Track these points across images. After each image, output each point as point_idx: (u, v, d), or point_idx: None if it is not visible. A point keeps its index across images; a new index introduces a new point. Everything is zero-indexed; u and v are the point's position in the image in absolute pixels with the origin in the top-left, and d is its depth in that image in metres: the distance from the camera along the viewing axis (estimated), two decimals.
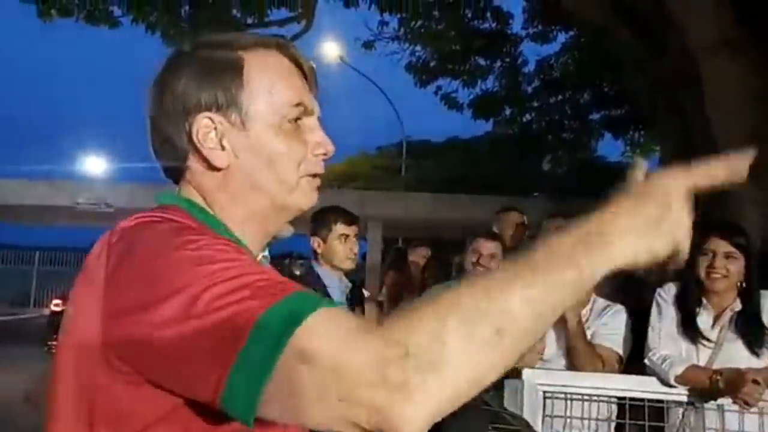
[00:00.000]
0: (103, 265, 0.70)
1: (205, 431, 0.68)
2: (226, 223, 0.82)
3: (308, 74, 0.86)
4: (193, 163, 0.82)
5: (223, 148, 0.80)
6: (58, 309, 10.25)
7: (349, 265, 2.70)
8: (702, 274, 2.39)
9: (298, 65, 0.85)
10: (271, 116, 0.81)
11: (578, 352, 2.46)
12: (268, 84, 0.81)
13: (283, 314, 0.59)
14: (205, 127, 0.80)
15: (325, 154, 0.85)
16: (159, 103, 0.82)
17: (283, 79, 0.82)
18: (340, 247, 2.66)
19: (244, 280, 0.62)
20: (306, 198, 0.84)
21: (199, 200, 0.83)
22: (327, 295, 2.66)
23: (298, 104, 0.82)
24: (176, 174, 0.85)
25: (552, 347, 2.61)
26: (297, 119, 0.82)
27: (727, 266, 2.36)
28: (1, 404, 7.17)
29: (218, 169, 0.81)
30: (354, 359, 0.56)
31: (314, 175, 0.85)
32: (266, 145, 0.80)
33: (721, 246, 2.38)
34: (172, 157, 0.83)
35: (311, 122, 0.84)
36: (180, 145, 0.81)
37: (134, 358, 0.66)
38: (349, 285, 2.81)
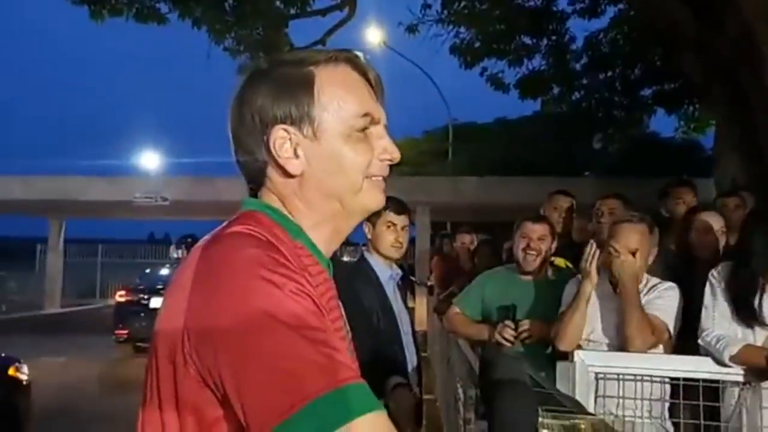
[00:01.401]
0: (192, 271, 0.78)
1: None
2: (302, 226, 0.90)
3: (375, 84, 0.92)
4: (271, 171, 0.90)
5: (297, 156, 0.88)
6: (122, 299, 10.69)
7: (394, 253, 2.71)
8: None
9: (366, 77, 0.92)
10: (341, 127, 0.88)
11: (631, 320, 2.42)
12: (337, 97, 0.88)
13: (334, 407, 0.67)
14: (281, 138, 0.87)
15: (390, 160, 0.92)
16: (239, 117, 0.90)
17: (351, 91, 0.89)
18: (387, 234, 2.68)
19: (315, 351, 0.70)
20: (372, 198, 0.91)
21: (278, 205, 0.91)
22: (378, 282, 2.70)
23: (365, 115, 0.89)
24: (257, 181, 0.93)
25: (599, 328, 2.60)
26: (365, 128, 0.89)
27: None
28: (75, 390, 7.57)
29: (293, 176, 0.89)
30: None
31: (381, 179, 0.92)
32: (336, 152, 0.88)
33: None
34: (253, 166, 0.91)
35: (378, 130, 0.91)
36: (259, 155, 0.89)
37: (203, 365, 0.75)
38: (400, 273, 2.84)
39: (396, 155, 0.92)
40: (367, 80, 0.92)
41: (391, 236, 2.68)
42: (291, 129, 0.87)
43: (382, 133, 0.91)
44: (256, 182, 0.93)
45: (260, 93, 0.88)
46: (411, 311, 3.05)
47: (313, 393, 0.67)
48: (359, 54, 0.94)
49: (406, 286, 3.12)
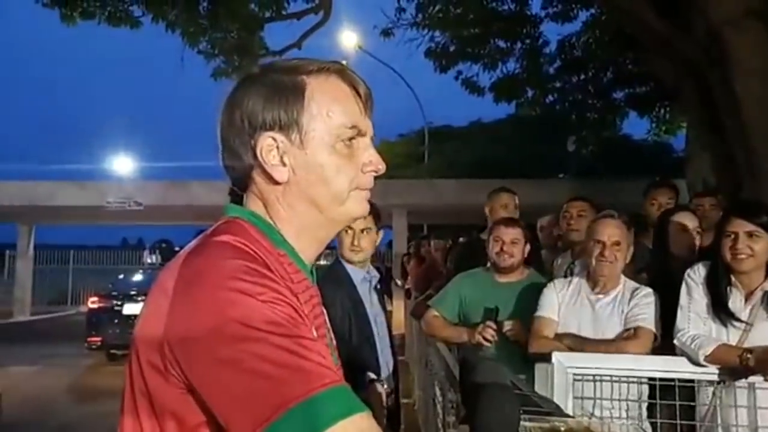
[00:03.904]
0: (173, 280, 0.78)
1: None
2: (284, 234, 0.90)
3: (365, 97, 0.93)
4: (257, 176, 0.91)
5: (284, 164, 0.88)
6: (95, 306, 10.47)
7: (353, 257, 2.70)
8: (727, 255, 2.38)
9: (356, 89, 0.93)
10: (327, 137, 0.89)
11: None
12: (326, 107, 0.89)
13: (311, 414, 0.67)
14: (269, 145, 0.88)
15: (375, 171, 0.93)
16: (229, 119, 0.90)
17: (340, 103, 0.90)
18: (345, 237, 2.67)
19: (295, 357, 0.71)
20: (357, 206, 0.93)
21: (261, 211, 0.91)
22: (350, 284, 2.68)
23: (352, 127, 0.90)
24: (242, 184, 0.93)
25: (575, 328, 2.64)
26: (350, 139, 0.90)
27: (751, 245, 2.34)
28: (46, 400, 7.41)
29: (278, 183, 0.89)
30: None
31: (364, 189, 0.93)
32: (321, 162, 0.89)
33: (743, 226, 2.36)
34: (239, 169, 0.91)
35: (364, 142, 0.92)
36: (246, 159, 0.89)
37: (184, 373, 0.75)
38: (377, 276, 2.82)
39: (381, 167, 0.93)
40: (357, 93, 0.93)
41: (348, 239, 2.67)
42: (278, 136, 0.87)
43: (367, 145, 0.92)
44: (241, 185, 0.93)
45: (251, 96, 0.88)
46: (389, 314, 3.04)
47: (290, 400, 0.67)
48: (347, 65, 0.95)
49: (384, 289, 3.10)
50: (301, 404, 0.67)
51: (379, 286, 2.83)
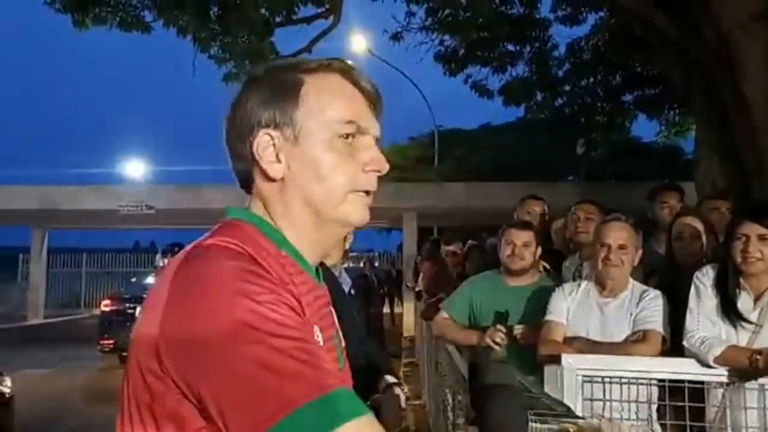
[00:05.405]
0: (169, 284, 0.77)
1: None
2: (285, 235, 0.89)
3: (370, 95, 0.91)
4: (256, 175, 0.90)
5: (279, 161, 0.88)
6: (107, 309, 10.57)
7: (329, 261, 2.67)
8: (738, 258, 2.38)
9: (360, 87, 0.91)
10: (323, 133, 0.87)
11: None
12: (321, 103, 0.88)
13: (323, 411, 0.66)
14: (265, 142, 0.88)
15: (378, 171, 0.90)
16: (232, 120, 0.91)
17: (337, 98, 0.88)
18: None
19: (296, 361, 0.70)
20: (355, 212, 0.89)
21: (262, 212, 0.90)
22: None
23: (349, 122, 0.88)
24: (247, 185, 0.93)
25: (584, 330, 2.65)
26: (350, 136, 0.88)
27: (762, 249, 2.34)
28: (59, 402, 7.48)
29: (274, 180, 0.88)
30: None
31: (366, 192, 0.90)
32: (315, 159, 0.87)
33: (754, 229, 2.36)
34: (242, 169, 0.91)
35: (366, 141, 0.89)
36: (246, 158, 0.90)
37: (179, 376, 0.73)
38: (349, 282, 2.78)
39: (384, 167, 0.90)
40: (361, 91, 0.90)
41: None
42: (274, 133, 0.87)
43: (369, 144, 0.89)
44: (246, 186, 0.93)
45: (251, 96, 0.89)
46: (398, 317, 3.05)
47: (299, 399, 0.66)
48: (351, 63, 0.93)
49: (359, 295, 3.07)
50: (308, 404, 0.66)
51: (353, 292, 2.79)
